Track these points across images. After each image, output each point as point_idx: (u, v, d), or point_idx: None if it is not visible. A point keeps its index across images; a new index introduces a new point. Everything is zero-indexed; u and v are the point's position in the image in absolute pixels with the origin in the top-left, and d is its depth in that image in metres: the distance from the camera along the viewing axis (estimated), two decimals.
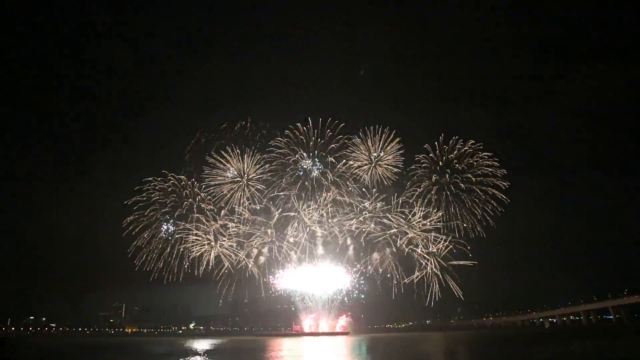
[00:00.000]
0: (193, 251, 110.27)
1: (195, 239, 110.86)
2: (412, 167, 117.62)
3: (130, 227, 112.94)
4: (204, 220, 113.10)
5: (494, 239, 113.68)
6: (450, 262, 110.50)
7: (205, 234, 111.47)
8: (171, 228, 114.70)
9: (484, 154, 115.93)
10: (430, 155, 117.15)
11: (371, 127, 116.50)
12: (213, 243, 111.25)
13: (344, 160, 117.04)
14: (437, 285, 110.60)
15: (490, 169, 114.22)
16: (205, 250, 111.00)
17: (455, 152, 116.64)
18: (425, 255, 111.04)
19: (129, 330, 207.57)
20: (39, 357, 51.21)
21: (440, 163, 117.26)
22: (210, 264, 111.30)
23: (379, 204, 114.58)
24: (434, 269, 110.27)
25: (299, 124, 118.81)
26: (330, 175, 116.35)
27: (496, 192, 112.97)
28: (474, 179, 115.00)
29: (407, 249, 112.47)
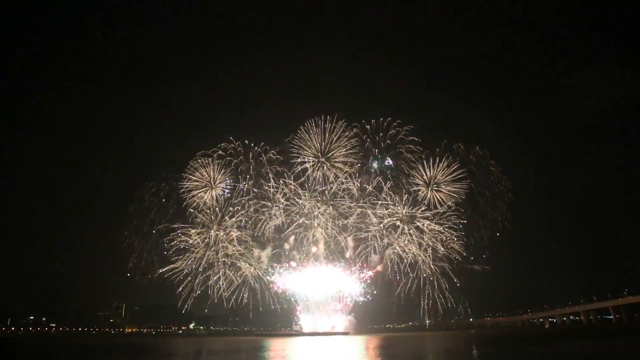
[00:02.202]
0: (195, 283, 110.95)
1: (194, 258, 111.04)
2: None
3: (134, 234, 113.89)
4: (204, 222, 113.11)
5: (494, 241, 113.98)
6: (472, 266, 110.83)
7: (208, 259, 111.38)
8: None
9: (490, 162, 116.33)
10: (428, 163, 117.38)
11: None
12: (218, 265, 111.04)
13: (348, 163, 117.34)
14: (436, 288, 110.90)
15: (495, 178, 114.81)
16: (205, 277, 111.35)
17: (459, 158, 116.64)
18: (424, 259, 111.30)
19: (129, 330, 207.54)
20: (39, 357, 51.14)
21: (431, 170, 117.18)
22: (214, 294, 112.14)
23: (378, 205, 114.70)
24: (432, 271, 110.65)
25: (302, 127, 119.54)
26: (333, 176, 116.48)
27: (499, 200, 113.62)
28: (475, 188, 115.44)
29: (405, 253, 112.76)
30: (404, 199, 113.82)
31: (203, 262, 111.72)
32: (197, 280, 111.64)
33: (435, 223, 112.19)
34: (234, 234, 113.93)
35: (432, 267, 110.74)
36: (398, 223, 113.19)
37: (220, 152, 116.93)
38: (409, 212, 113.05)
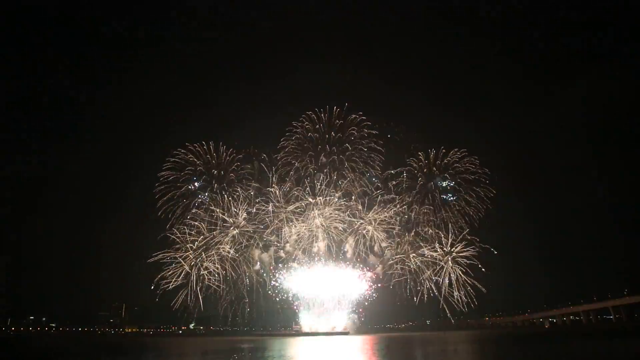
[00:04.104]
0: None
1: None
2: (399, 169, 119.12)
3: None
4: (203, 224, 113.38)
5: (492, 240, 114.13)
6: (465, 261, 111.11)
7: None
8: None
9: (472, 158, 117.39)
10: (420, 163, 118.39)
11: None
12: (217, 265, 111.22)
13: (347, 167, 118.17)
14: (434, 288, 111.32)
15: (477, 174, 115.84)
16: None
17: (445, 159, 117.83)
18: (419, 264, 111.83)
19: (129, 330, 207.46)
20: (39, 357, 51.15)
21: (425, 170, 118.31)
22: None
23: (375, 210, 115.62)
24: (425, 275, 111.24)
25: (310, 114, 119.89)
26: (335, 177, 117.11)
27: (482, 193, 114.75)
28: (464, 184, 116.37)
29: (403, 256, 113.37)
30: (404, 203, 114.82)
31: (204, 263, 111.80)
32: (198, 281, 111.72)
33: (436, 227, 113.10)
34: (237, 235, 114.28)
35: (430, 272, 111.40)
36: (397, 228, 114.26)
37: (227, 157, 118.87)
38: (408, 218, 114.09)
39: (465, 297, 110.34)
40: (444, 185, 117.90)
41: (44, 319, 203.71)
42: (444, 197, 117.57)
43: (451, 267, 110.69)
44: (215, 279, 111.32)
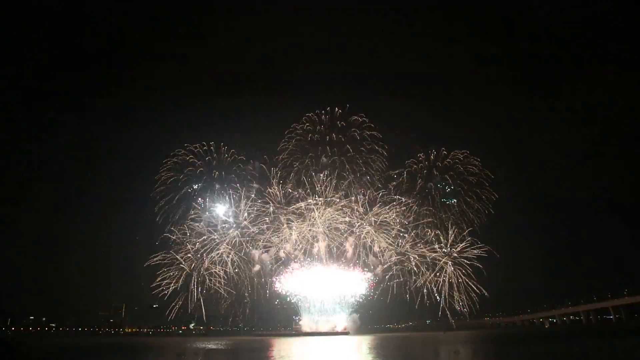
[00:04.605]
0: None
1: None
2: (397, 171, 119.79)
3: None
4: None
5: (492, 240, 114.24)
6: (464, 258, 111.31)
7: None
8: None
9: (473, 158, 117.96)
10: (421, 164, 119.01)
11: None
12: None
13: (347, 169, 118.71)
14: (434, 290, 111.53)
15: (476, 173, 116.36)
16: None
17: (446, 160, 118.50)
18: (419, 264, 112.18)
19: (129, 330, 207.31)
20: (39, 357, 51.21)
21: (426, 171, 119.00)
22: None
23: (375, 211, 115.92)
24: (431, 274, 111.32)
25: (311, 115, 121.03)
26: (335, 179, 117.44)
27: (482, 193, 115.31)
28: (464, 185, 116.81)
29: (401, 255, 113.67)
30: (404, 204, 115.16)
31: (205, 264, 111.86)
32: (198, 282, 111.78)
33: (436, 228, 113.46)
34: (237, 236, 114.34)
35: (429, 272, 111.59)
36: (397, 229, 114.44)
37: (228, 158, 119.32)
38: (408, 219, 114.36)
39: (465, 297, 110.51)
40: (444, 186, 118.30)
41: (44, 319, 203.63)
42: (444, 198, 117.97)
43: (451, 268, 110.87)
44: (215, 280, 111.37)
